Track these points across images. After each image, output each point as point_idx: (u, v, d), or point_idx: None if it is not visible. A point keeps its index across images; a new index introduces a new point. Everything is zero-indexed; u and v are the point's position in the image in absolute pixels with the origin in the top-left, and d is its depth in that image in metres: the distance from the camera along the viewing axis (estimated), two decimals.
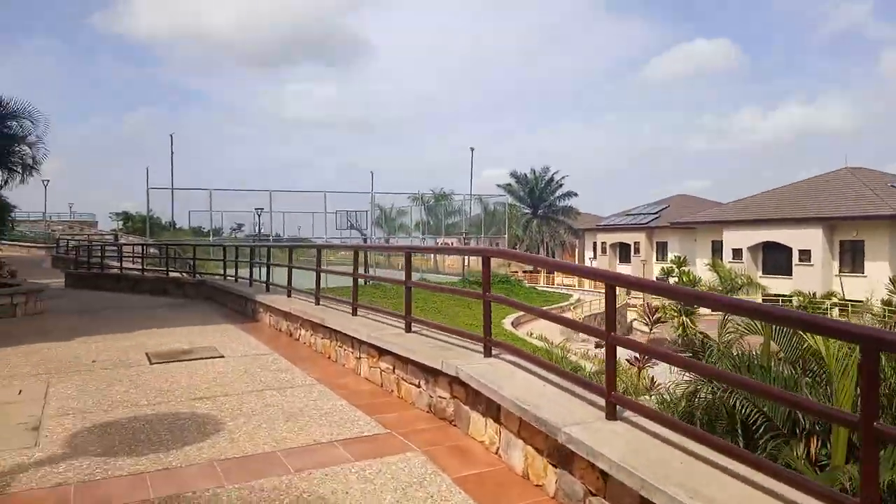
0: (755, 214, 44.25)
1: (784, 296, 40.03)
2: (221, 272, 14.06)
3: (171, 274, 16.08)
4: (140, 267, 17.69)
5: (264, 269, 11.65)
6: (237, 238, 65.03)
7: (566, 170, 58.20)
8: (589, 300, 42.50)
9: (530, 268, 63.37)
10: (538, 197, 58.08)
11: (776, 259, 42.87)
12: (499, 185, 58.94)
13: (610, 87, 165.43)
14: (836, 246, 40.30)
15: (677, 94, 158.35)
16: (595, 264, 67.34)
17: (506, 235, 44.12)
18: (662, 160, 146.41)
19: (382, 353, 5.47)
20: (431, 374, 4.60)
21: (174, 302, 13.29)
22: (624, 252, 65.44)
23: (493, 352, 4.79)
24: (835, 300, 35.83)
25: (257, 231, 50.34)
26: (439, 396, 4.50)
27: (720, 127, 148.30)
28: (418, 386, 4.84)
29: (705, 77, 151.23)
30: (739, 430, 6.33)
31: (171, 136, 36.92)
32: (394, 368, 5.27)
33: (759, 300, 40.28)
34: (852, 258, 39.53)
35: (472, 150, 40.92)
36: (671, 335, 28.38)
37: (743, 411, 6.20)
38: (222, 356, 6.95)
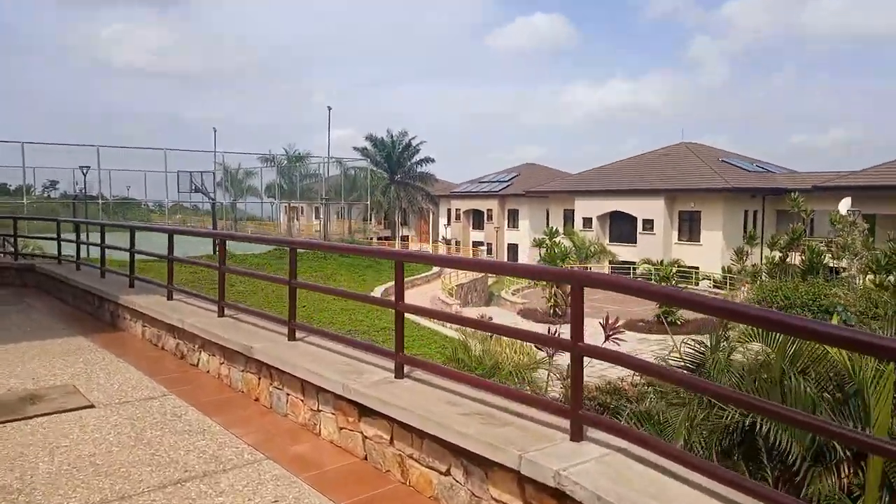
0: (604, 185, 46.18)
1: (631, 262, 42.44)
2: (55, 253, 11.11)
3: None
4: None
5: (107, 249, 9.13)
6: (51, 198, 56.99)
7: (411, 133, 57.55)
8: (448, 271, 42.19)
9: (387, 234, 62.09)
10: (396, 161, 56.51)
11: (623, 228, 45.18)
12: (356, 149, 56.53)
13: (453, 53, 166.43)
14: (676, 216, 43.21)
15: (516, 65, 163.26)
16: (449, 230, 67.55)
17: (368, 202, 42.22)
18: (500, 127, 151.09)
19: (368, 412, 3.80)
20: (479, 463, 3.06)
21: None
22: (477, 219, 66.16)
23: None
24: (676, 268, 38.40)
25: (78, 191, 44.09)
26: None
27: (554, 99, 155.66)
28: (447, 474, 3.27)
29: (542, 51, 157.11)
30: (762, 459, 5.48)
31: None
32: (391, 439, 3.63)
33: (607, 268, 42.38)
34: (690, 227, 42.61)
35: (330, 109, 38.41)
36: (542, 306, 28.65)
37: (769, 436, 5.34)
38: (91, 405, 4.79)
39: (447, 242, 64.22)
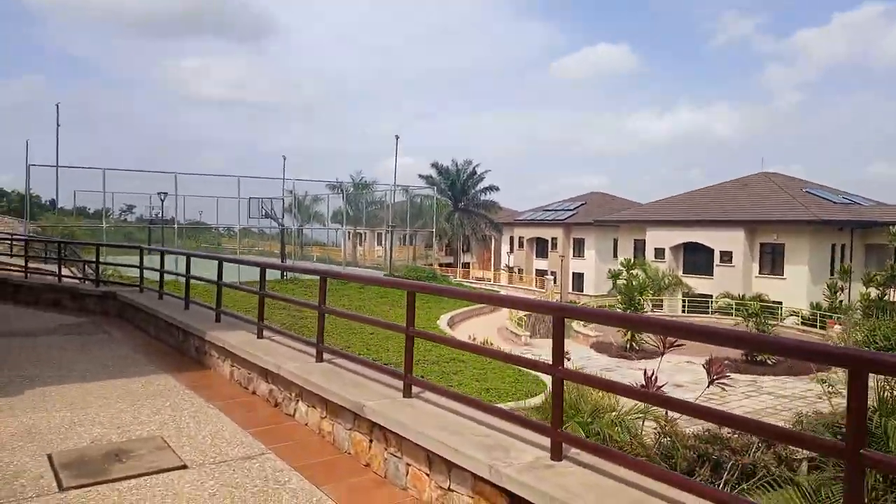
0: (678, 215, 44.43)
1: (707, 295, 40.43)
2: (136, 279, 10.88)
3: (65, 278, 12.58)
4: (20, 265, 13.96)
5: (191, 278, 8.71)
6: (127, 222, 59.13)
7: (475, 161, 57.24)
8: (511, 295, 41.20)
9: (449, 261, 61.60)
10: (460, 190, 56.25)
11: (697, 259, 43.23)
12: (421, 176, 56.64)
13: (517, 83, 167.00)
14: (757, 248, 41.05)
15: (579, 94, 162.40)
16: (512, 258, 66.60)
17: (434, 229, 41.84)
18: (562, 155, 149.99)
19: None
20: None
21: (72, 323, 10.01)
22: (541, 247, 65.04)
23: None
24: (759, 303, 36.28)
25: (154, 215, 45.46)
26: None
27: (617, 127, 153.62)
28: None
29: (605, 79, 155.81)
30: None
31: (58, 105, 31.71)
32: None
33: (680, 300, 40.49)
34: (772, 261, 40.36)
35: (398, 137, 38.27)
36: (617, 340, 27.30)
37: None
38: (184, 465, 4.21)
39: (510, 270, 63.23)
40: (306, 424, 4.98)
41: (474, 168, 57.16)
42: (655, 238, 44.79)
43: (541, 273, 61.74)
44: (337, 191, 49.39)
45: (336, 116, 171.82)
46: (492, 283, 54.03)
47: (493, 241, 66.03)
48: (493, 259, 69.39)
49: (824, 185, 47.50)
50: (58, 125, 30.94)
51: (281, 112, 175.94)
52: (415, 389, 4.46)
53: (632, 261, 27.64)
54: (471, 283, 48.23)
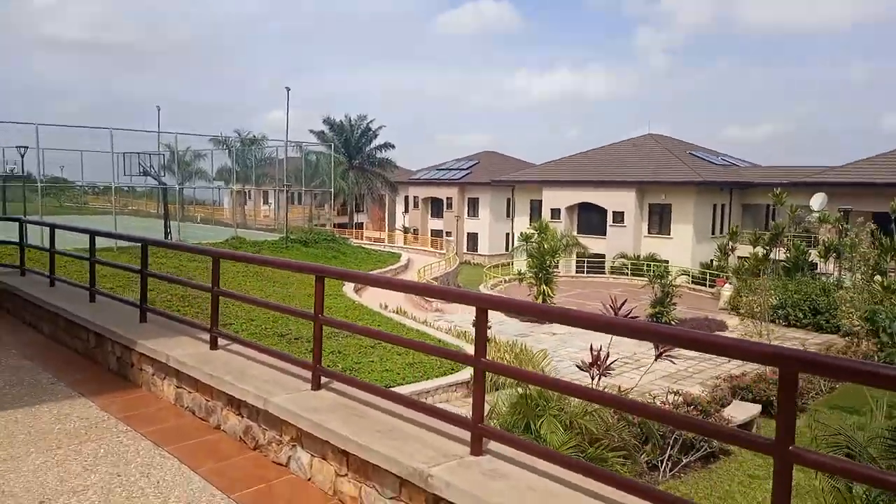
0: (574, 175, 45.23)
1: (600, 255, 41.69)
2: (16, 259, 8.86)
3: None
4: None
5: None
6: None
7: (370, 117, 54.68)
8: (416, 259, 40.51)
9: (343, 220, 59.63)
10: (354, 147, 54.17)
11: (591, 219, 44.41)
12: (312, 132, 53.94)
13: (399, 36, 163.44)
14: (646, 208, 42.67)
15: (462, 51, 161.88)
16: (407, 218, 65.66)
17: (332, 188, 39.87)
18: (445, 112, 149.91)
19: None
20: None
21: None
22: (436, 207, 64.56)
23: None
24: (652, 263, 37.81)
25: (8, 170, 40.10)
26: None
27: (499, 85, 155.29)
28: None
29: (488, 36, 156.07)
30: None
31: None
32: None
33: (574, 261, 41.50)
34: (660, 220, 42.16)
35: (288, 89, 35.59)
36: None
37: None
38: None
39: (405, 231, 62.35)
40: (309, 479, 3.80)
41: (368, 124, 55.21)
42: (552, 198, 45.43)
43: (436, 234, 61.37)
44: (222, 146, 45.84)
45: (209, 65, 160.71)
46: (386, 244, 52.89)
47: (387, 200, 64.67)
48: (386, 219, 68.12)
49: (704, 146, 50.14)
50: None
51: (146, 58, 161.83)
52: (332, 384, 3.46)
53: (546, 224, 27.54)
54: (367, 244, 46.86)
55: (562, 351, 21.72)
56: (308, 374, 4.30)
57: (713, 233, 42.01)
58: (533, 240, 25.26)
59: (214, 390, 4.58)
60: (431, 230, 63.18)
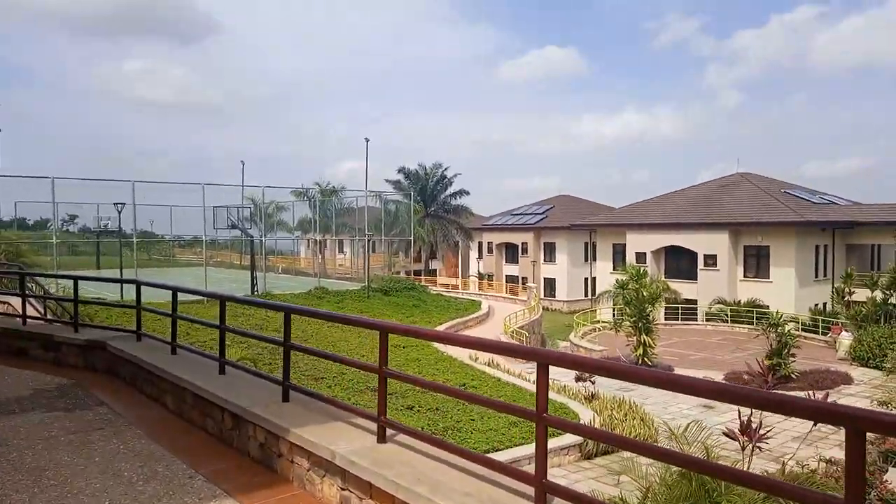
0: (659, 218, 43.47)
1: (692, 301, 39.43)
2: (130, 323, 8.41)
3: (29, 318, 9.88)
4: None
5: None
6: (69, 232, 54.77)
7: (444, 164, 54.82)
8: (496, 307, 39.42)
9: (417, 268, 59.34)
10: (429, 195, 54.17)
11: (680, 263, 42.34)
12: (388, 181, 54.25)
13: (464, 85, 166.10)
14: (741, 250, 40.34)
15: (528, 97, 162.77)
16: (482, 264, 64.87)
17: (412, 237, 39.58)
18: (512, 158, 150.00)
19: None
20: None
21: (52, 387, 7.47)
22: (510, 252, 63.63)
23: None
24: (754, 310, 35.38)
25: (102, 226, 41.86)
26: None
27: (564, 130, 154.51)
28: None
29: (554, 81, 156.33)
30: None
31: None
32: None
33: (663, 308, 39.35)
34: (757, 263, 39.70)
35: (367, 140, 35.83)
36: (625, 354, 25.63)
37: None
38: None
39: (480, 277, 61.47)
40: None
41: (443, 172, 55.19)
42: (637, 242, 43.70)
43: (511, 279, 60.24)
44: (303, 197, 46.60)
45: (283, 120, 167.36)
46: (460, 290, 52.06)
47: (460, 246, 64.17)
48: (460, 265, 67.55)
49: (798, 184, 47.48)
50: None
51: (226, 116, 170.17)
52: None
53: (643, 270, 26.07)
54: (444, 292, 46.20)
55: (672, 408, 20.06)
56: (527, 489, 3.37)
57: (816, 276, 39.21)
58: (629, 286, 23.80)
59: (398, 500, 3.69)
60: (506, 276, 62.13)
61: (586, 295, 57.06)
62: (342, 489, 4.17)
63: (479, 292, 50.51)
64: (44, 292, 13.26)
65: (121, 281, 8.51)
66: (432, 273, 61.63)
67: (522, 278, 59.71)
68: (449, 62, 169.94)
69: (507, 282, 59.24)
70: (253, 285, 32.21)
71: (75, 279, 9.04)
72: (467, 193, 54.30)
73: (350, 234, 47.06)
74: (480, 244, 64.35)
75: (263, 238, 36.83)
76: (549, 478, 3.20)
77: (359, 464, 3.97)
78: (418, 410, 15.64)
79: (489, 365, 21.97)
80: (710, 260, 40.43)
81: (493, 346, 4.41)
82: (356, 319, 5.38)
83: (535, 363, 3.29)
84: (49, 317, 11.09)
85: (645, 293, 23.29)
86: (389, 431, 4.38)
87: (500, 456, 13.15)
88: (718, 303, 35.03)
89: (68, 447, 5.51)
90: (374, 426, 4.44)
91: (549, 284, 60.25)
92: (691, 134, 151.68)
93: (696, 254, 41.04)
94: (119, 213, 28.20)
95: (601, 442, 14.54)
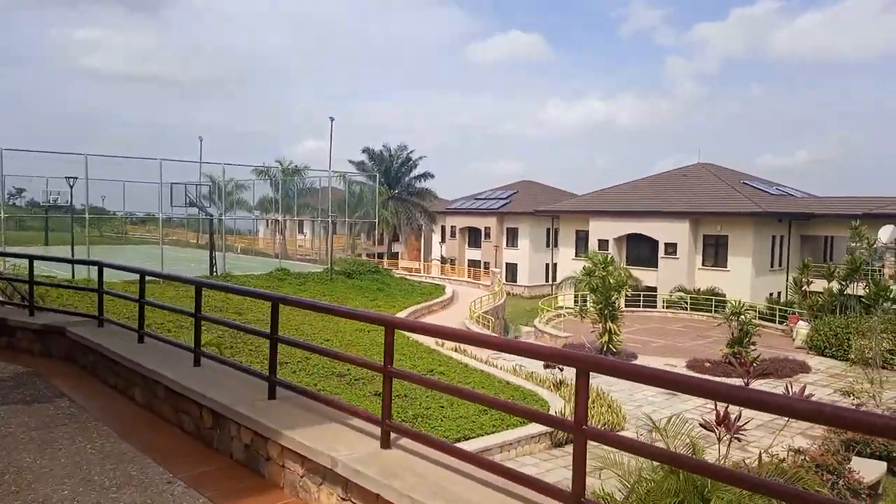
0: (623, 206, 43.84)
1: (652, 288, 39.93)
2: (84, 306, 7.83)
3: None
4: None
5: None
6: (16, 206, 52.35)
7: (410, 146, 53.84)
8: (460, 291, 39.30)
9: (379, 250, 58.73)
10: (393, 177, 53.52)
11: (641, 251, 42.85)
12: (351, 162, 53.36)
13: (431, 67, 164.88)
14: (700, 239, 41.02)
15: (492, 80, 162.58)
16: (444, 248, 64.66)
17: (376, 219, 39.00)
18: (476, 141, 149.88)
19: None
20: None
21: (7, 376, 6.89)
22: (473, 236, 63.49)
23: None
24: (711, 298, 36.08)
25: (51, 200, 40.09)
26: None
27: (528, 114, 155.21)
28: None
29: (519, 66, 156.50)
30: None
31: None
32: None
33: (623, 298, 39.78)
34: (716, 252, 40.44)
35: (332, 119, 34.95)
36: (591, 341, 25.74)
37: None
38: None
39: (443, 261, 61.26)
40: None
41: (409, 154, 54.56)
42: (599, 229, 44.03)
43: (473, 264, 60.17)
44: (264, 176, 45.47)
45: (242, 96, 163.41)
46: (422, 274, 51.74)
47: (423, 229, 63.77)
48: (423, 249, 67.18)
49: (755, 175, 48.47)
50: None
51: (183, 90, 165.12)
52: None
53: (612, 257, 26.18)
54: (407, 275, 45.84)
55: (638, 395, 20.23)
56: None
57: (772, 266, 40.18)
58: (596, 273, 23.86)
59: None
60: (469, 260, 62.04)
61: (547, 280, 57.40)
62: (343, 499, 3.83)
63: (442, 276, 50.30)
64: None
65: (82, 262, 7.90)
66: (394, 256, 61.13)
67: (485, 263, 59.71)
68: (415, 43, 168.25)
69: (469, 266, 59.17)
70: (212, 265, 31.26)
71: (30, 258, 8.38)
72: (432, 176, 53.89)
73: (311, 215, 46.19)
74: (444, 227, 64.04)
75: (223, 217, 35.71)
76: (565, 482, 2.93)
77: (364, 473, 3.63)
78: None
79: (456, 350, 21.77)
80: (671, 248, 40.99)
81: (514, 346, 4.17)
82: (360, 314, 4.87)
83: (575, 368, 3.07)
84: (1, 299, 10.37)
85: (611, 280, 23.36)
86: (393, 435, 4.06)
87: (471, 445, 12.95)
88: (678, 290, 35.57)
89: (30, 446, 5.02)
90: (374, 429, 4.11)
91: (511, 269, 60.40)
92: (651, 123, 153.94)
93: (657, 242, 41.55)
94: (71, 187, 26.89)
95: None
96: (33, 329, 7.87)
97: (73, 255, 26.44)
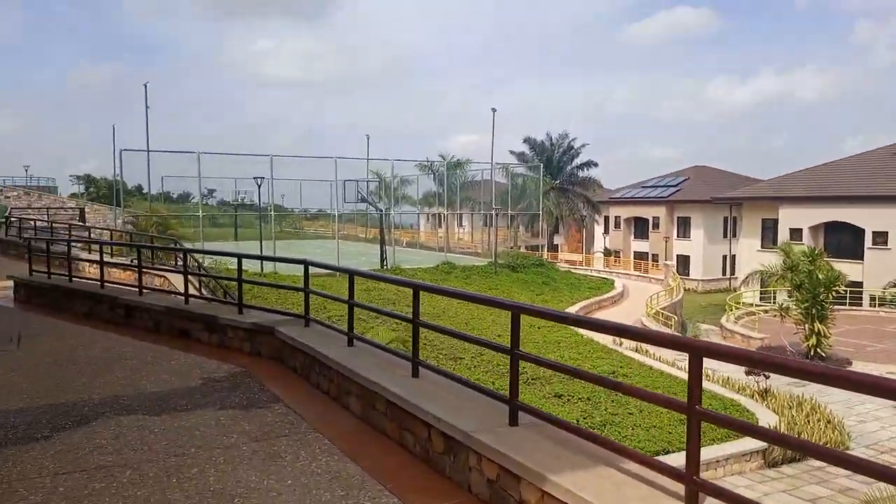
0: (820, 191, 39.01)
1: (857, 283, 35.04)
2: (298, 305, 7.65)
3: (191, 296, 9.45)
4: (135, 279, 10.98)
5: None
6: (208, 206, 57.63)
7: (571, 135, 51.99)
8: (629, 286, 37.21)
9: (536, 243, 57.56)
10: (555, 166, 52.01)
11: (842, 241, 37.86)
12: (512, 153, 52.65)
13: (588, 46, 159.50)
14: None
15: (656, 58, 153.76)
16: (608, 240, 61.96)
17: (540, 211, 37.98)
18: (639, 124, 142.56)
19: None
20: None
21: (220, 376, 6.85)
22: (639, 227, 60.16)
23: None
24: None
25: (239, 199, 43.39)
26: None
27: (698, 94, 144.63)
28: None
29: (686, 44, 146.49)
30: None
31: (146, 85, 29.34)
32: None
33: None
34: None
35: (494, 110, 34.34)
36: (791, 342, 22.85)
37: None
38: None
39: (607, 253, 58.71)
40: None
41: (570, 142, 52.77)
42: (791, 217, 39.57)
43: (639, 256, 57.03)
44: (427, 171, 46.06)
45: (398, 92, 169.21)
46: (585, 267, 49.80)
47: (585, 221, 61.56)
48: (584, 241, 64.93)
49: None
50: (146, 107, 28.62)
51: (344, 88, 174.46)
52: None
53: (816, 250, 23.09)
54: (585, 270, 44.37)
55: (859, 408, 17.47)
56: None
57: None
58: (801, 268, 21.04)
59: None
60: (634, 252, 58.97)
61: (724, 274, 53.01)
62: None
63: (607, 269, 48.15)
64: (197, 267, 13.10)
65: (292, 261, 7.77)
66: (554, 248, 59.59)
67: (653, 255, 56.38)
68: (569, 24, 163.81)
69: (635, 258, 56.20)
70: (383, 259, 32.04)
71: (239, 257, 8.41)
72: (595, 165, 51.66)
73: (472, 208, 46.12)
74: (606, 218, 61.39)
75: (392, 212, 36.58)
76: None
77: None
78: (568, 400, 14.44)
79: (636, 351, 20.27)
80: (880, 237, 35.82)
81: (639, 333, 3.94)
82: (491, 300, 5.18)
83: (686, 353, 3.13)
84: (206, 294, 10.76)
85: (820, 276, 20.46)
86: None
87: (671, 459, 11.65)
88: (893, 286, 30.80)
89: (253, 460, 4.67)
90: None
91: (682, 262, 56.47)
92: (836, 97, 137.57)
93: (862, 230, 36.51)
94: (259, 186, 28.72)
95: (779, 446, 12.68)
96: (243, 328, 7.85)
97: (261, 249, 28.20)
